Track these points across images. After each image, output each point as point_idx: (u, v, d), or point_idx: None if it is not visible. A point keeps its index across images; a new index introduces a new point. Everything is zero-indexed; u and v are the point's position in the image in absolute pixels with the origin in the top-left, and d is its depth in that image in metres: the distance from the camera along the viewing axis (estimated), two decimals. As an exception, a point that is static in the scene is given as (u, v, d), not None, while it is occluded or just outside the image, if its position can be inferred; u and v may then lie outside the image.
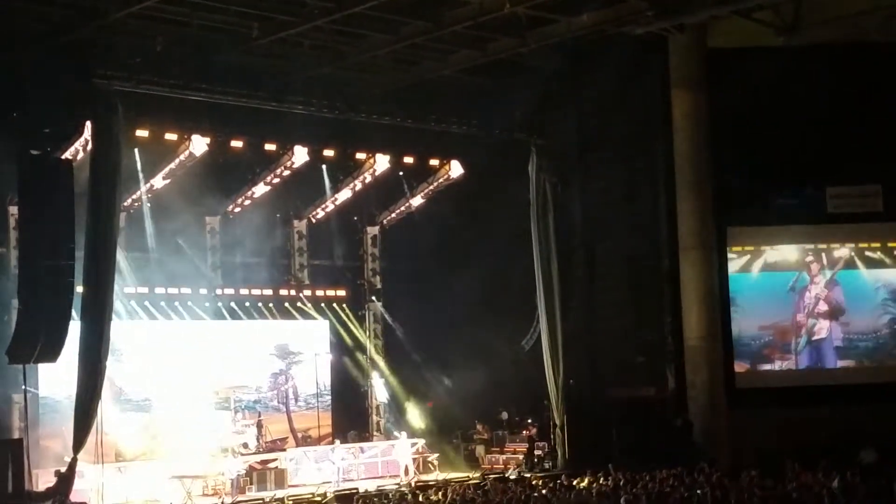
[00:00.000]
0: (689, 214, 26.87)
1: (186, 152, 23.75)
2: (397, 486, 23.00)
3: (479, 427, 28.09)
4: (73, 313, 20.06)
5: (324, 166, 27.04)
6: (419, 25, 23.11)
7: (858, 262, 28.22)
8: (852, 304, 28.06)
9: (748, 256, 28.22)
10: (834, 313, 28.12)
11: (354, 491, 22.28)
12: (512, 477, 23.99)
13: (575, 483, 20.58)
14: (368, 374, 29.29)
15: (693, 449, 25.03)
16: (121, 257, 22.76)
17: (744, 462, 21.72)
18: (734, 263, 27.98)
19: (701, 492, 16.28)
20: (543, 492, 18.98)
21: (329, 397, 28.04)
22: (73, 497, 19.84)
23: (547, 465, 25.84)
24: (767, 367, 28.07)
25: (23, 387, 20.74)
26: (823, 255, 28.25)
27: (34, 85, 20.36)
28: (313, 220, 28.82)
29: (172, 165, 24.14)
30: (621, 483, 19.10)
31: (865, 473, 18.47)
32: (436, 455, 26.25)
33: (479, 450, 27.61)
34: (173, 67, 21.75)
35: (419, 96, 25.54)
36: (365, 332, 29.44)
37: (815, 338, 28.09)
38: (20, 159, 20.07)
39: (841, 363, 28.01)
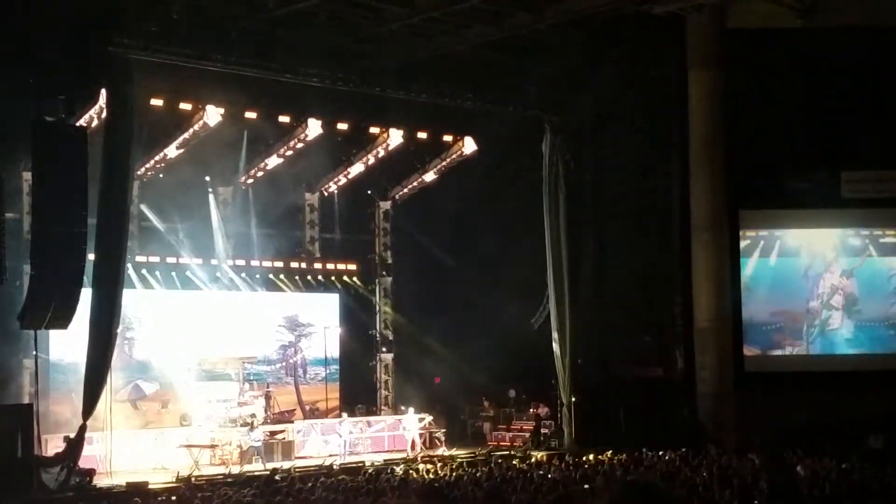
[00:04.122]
0: (702, 196, 26.75)
1: (201, 122, 23.73)
2: (404, 460, 23.08)
3: (486, 404, 28.14)
4: (85, 280, 20.13)
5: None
6: (436, -1, 22.95)
7: (872, 249, 27.99)
8: (865, 292, 27.82)
9: (761, 240, 28.01)
10: (848, 304, 27.90)
11: (361, 464, 22.38)
12: (518, 455, 24.03)
13: (580, 462, 20.59)
14: (377, 349, 29.36)
15: (700, 431, 25.03)
16: (133, 226, 22.81)
17: (750, 445, 21.67)
18: (746, 246, 27.81)
19: (706, 474, 16.22)
20: (550, 469, 18.98)
21: (337, 370, 28.11)
22: (81, 463, 19.97)
23: (553, 444, 25.89)
24: (778, 352, 27.91)
25: (34, 352, 20.86)
26: (838, 241, 28.04)
27: (49, 51, 20.30)
28: (325, 194, 28.80)
29: (186, 135, 24.13)
30: (627, 463, 19.09)
31: (873, 459, 18.42)
32: (442, 431, 26.30)
33: (486, 427, 27.67)
34: (189, 37, 21.65)
35: (434, 71, 25.37)
36: (375, 307, 29.47)
37: (829, 329, 27.89)
38: (34, 126, 20.06)
39: (852, 351, 27.85)
